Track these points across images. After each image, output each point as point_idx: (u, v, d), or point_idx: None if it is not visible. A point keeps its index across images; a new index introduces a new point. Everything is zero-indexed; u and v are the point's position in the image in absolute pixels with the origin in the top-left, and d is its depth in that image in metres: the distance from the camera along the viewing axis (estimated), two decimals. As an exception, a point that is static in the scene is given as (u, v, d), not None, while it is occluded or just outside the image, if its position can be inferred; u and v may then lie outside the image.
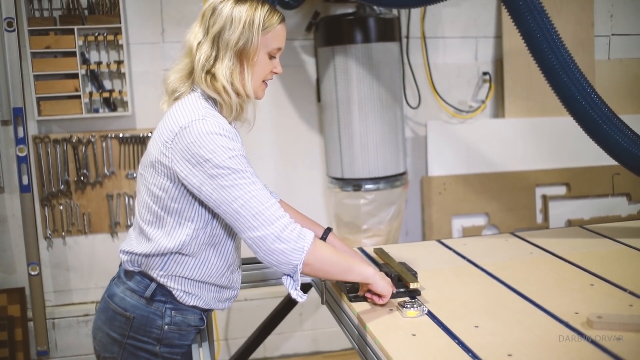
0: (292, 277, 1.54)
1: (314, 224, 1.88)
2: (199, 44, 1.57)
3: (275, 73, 1.65)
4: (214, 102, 1.58)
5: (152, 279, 1.61)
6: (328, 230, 1.88)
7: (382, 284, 1.62)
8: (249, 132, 1.73)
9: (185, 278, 1.61)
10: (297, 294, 1.55)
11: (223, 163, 1.47)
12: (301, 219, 1.88)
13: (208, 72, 1.56)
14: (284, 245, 1.48)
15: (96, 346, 1.70)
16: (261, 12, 1.55)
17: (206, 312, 1.71)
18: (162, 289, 1.61)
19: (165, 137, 1.53)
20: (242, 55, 1.56)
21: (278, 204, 1.52)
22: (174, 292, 1.61)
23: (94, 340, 1.71)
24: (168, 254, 1.59)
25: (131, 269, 1.64)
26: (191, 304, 1.63)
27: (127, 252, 1.64)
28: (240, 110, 1.61)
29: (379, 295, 1.64)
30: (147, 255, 1.60)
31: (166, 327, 1.62)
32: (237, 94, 1.58)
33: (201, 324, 1.69)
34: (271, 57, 1.61)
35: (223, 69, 1.55)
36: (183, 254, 1.59)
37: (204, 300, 1.65)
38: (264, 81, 1.64)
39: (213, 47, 1.55)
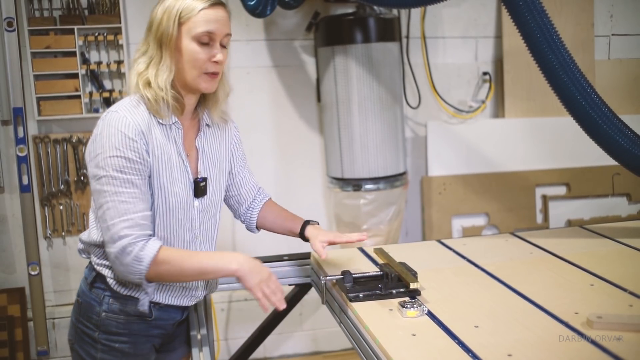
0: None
1: (294, 218, 1.87)
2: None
3: (215, 62, 1.55)
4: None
5: (93, 267, 1.65)
6: (306, 223, 1.84)
7: (250, 278, 1.49)
8: (243, 128, 1.72)
9: None
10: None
11: (103, 162, 1.48)
12: (283, 215, 1.88)
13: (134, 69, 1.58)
14: (121, 268, 1.51)
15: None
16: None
17: (158, 305, 1.66)
18: (100, 276, 1.64)
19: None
20: (162, 46, 1.53)
21: (128, 222, 1.47)
22: (107, 280, 1.62)
23: None
24: (101, 245, 1.58)
25: (83, 256, 1.70)
26: (126, 294, 1.62)
27: (80, 241, 1.70)
28: (165, 105, 1.53)
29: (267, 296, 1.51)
30: (88, 244, 1.65)
31: (103, 314, 1.63)
32: (158, 88, 1.52)
33: (148, 314, 1.64)
34: (203, 43, 1.53)
35: (139, 64, 1.56)
36: None
37: (141, 293, 1.62)
38: (205, 73, 1.54)
39: (144, 44, 1.58)
